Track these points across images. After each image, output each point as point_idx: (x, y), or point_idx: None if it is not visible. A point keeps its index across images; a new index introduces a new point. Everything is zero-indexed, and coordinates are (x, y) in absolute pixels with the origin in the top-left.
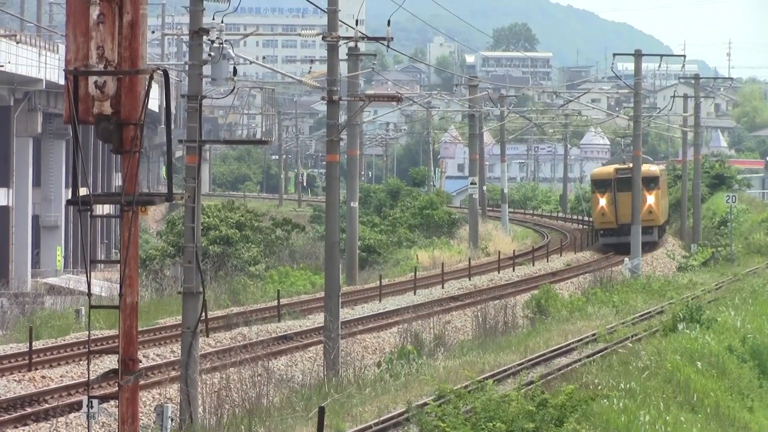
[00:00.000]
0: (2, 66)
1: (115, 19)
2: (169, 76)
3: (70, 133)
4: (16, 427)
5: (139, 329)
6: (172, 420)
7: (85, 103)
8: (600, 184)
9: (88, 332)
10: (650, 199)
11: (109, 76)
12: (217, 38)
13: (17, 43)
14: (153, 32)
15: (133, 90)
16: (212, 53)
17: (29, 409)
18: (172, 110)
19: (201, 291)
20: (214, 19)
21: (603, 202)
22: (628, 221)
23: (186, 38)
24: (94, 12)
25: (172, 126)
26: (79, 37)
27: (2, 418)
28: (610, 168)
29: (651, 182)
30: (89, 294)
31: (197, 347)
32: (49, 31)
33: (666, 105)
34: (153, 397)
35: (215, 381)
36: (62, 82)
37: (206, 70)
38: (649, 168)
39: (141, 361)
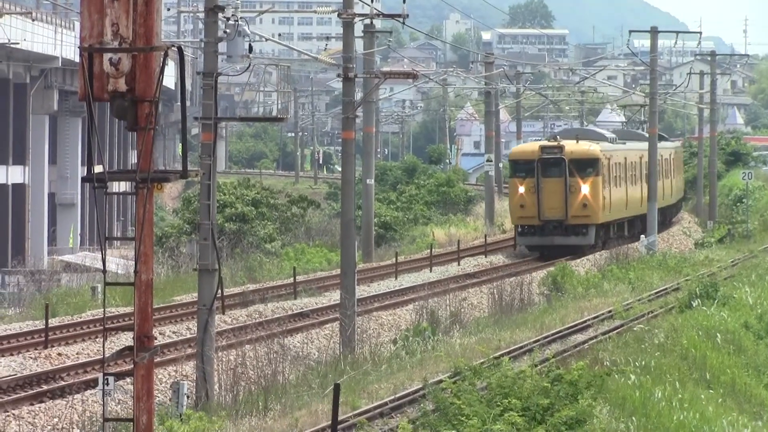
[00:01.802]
0: (18, 44)
1: None
2: (185, 53)
3: (85, 111)
4: (32, 404)
5: (155, 306)
6: (187, 397)
7: (100, 80)
8: (519, 167)
9: (103, 310)
10: (584, 188)
11: (124, 54)
12: (232, 15)
13: (33, 20)
14: (168, 9)
15: (148, 67)
16: (228, 30)
17: (45, 387)
18: (188, 88)
19: (217, 268)
20: None
21: (522, 189)
22: (557, 216)
23: (202, 15)
24: None
25: (188, 103)
26: (94, 14)
27: (19, 395)
28: (534, 145)
29: (587, 166)
30: (104, 271)
31: (213, 324)
32: (65, 8)
33: (682, 82)
34: (169, 375)
35: (231, 358)
36: (78, 59)
37: (222, 47)
38: (588, 148)
39: (157, 339)
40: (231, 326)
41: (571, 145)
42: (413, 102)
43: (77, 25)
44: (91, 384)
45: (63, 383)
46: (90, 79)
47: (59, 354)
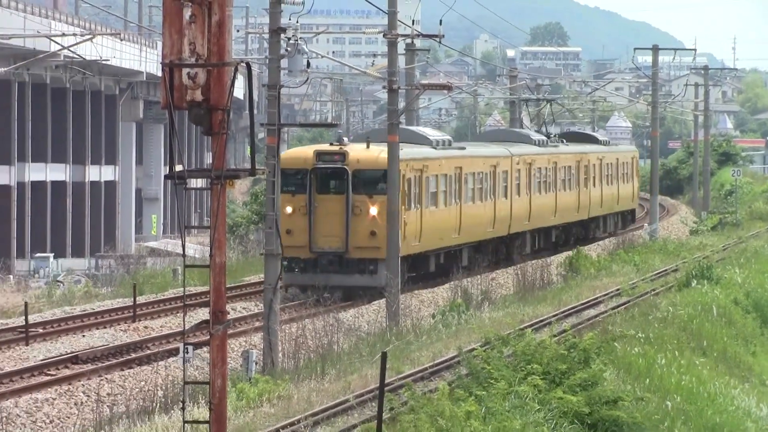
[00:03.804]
0: (108, 60)
1: (205, 19)
2: (252, 68)
3: (167, 118)
4: (122, 370)
5: (228, 286)
6: (256, 363)
7: (179, 91)
8: (289, 179)
9: (183, 289)
10: (373, 210)
11: (200, 68)
12: (293, 36)
13: (121, 40)
14: (238, 31)
15: (221, 80)
16: (289, 49)
17: (134, 355)
18: (255, 98)
19: (280, 252)
20: (290, 19)
21: (290, 210)
22: (335, 248)
23: (266, 36)
24: (187, 13)
25: (255, 111)
26: (174, 34)
27: (111, 362)
28: (308, 150)
29: (376, 182)
30: (183, 255)
31: (277, 301)
32: (149, 30)
33: (680, 92)
34: (240, 344)
35: (293, 330)
36: (160, 73)
37: (284, 63)
38: (380, 155)
39: (229, 313)
40: (293, 303)
41: (358, 151)
42: (448, 110)
43: (159, 44)
44: (173, 352)
45: (149, 352)
46: (171, 90)
47: (145, 327)
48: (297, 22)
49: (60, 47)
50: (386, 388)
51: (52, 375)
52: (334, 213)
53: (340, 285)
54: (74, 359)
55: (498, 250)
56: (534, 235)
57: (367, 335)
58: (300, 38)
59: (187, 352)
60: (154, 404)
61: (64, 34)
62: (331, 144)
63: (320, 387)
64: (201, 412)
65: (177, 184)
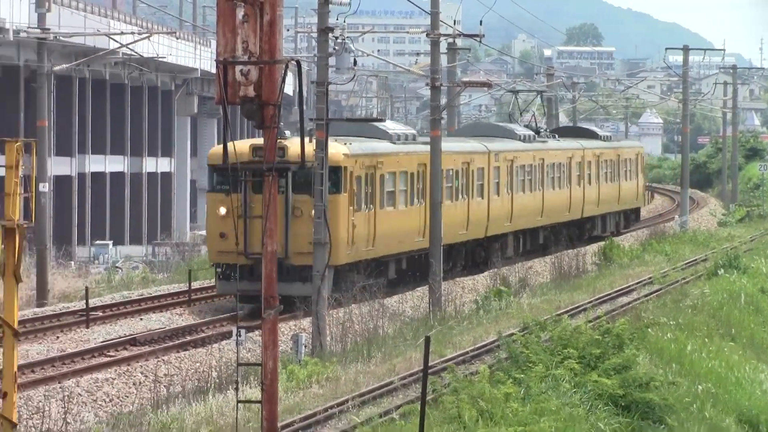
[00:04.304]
0: (165, 58)
1: (257, 19)
2: (301, 66)
3: (220, 113)
4: (178, 352)
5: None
6: (305, 346)
7: (232, 87)
8: (222, 176)
9: (237, 276)
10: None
11: (253, 66)
12: (340, 35)
13: (177, 39)
14: (288, 30)
15: (272, 77)
16: (336, 47)
17: (189, 338)
18: (304, 94)
19: (328, 242)
20: (337, 19)
21: (224, 211)
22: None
23: (315, 35)
24: (240, 13)
25: (304, 107)
26: (228, 33)
27: (168, 344)
28: (244, 145)
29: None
30: (237, 243)
31: (325, 287)
32: (203, 29)
33: (709, 90)
34: (290, 328)
35: (340, 315)
36: (214, 70)
37: (331, 61)
38: (330, 152)
39: (278, 298)
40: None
41: (299, 146)
42: (487, 106)
43: (213, 42)
44: (227, 335)
45: (203, 335)
46: (225, 86)
47: (200, 311)
48: (344, 21)
49: (119, 45)
50: (429, 371)
51: (111, 356)
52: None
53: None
54: (132, 341)
55: (474, 254)
56: (518, 237)
57: (411, 320)
58: (347, 37)
59: (240, 336)
60: (209, 385)
61: (122, 33)
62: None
63: (366, 369)
64: (253, 392)
65: (231, 176)
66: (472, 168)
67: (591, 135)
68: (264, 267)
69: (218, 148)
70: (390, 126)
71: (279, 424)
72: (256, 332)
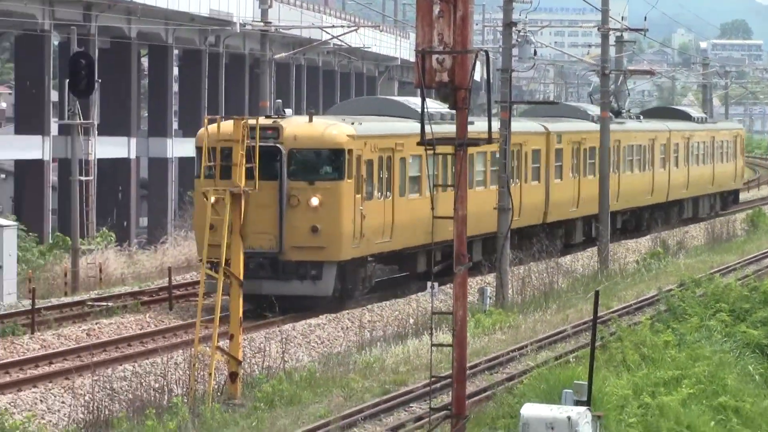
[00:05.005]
0: (369, 48)
1: (451, 14)
2: (489, 55)
3: (418, 96)
4: (380, 302)
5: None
6: (490, 298)
7: (429, 73)
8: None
9: (431, 237)
10: (314, 200)
11: (447, 55)
12: (522, 29)
13: (380, 31)
14: (477, 24)
15: (464, 65)
16: (519, 39)
17: (391, 292)
18: (491, 80)
19: (510, 207)
20: (520, 15)
21: (213, 199)
22: (267, 247)
23: (500, 29)
24: (436, 9)
25: (491, 92)
26: (426, 27)
27: (371, 295)
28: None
29: (325, 163)
30: (432, 208)
31: (507, 246)
32: (402, 23)
33: None
34: (476, 282)
35: (520, 271)
36: (413, 59)
37: (514, 51)
38: (326, 131)
39: (469, 256)
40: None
41: (297, 126)
42: (650, 92)
43: (411, 35)
44: (422, 288)
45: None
46: (423, 73)
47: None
48: (525, 17)
49: (330, 37)
50: (598, 321)
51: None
52: (265, 204)
53: (273, 294)
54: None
55: (521, 245)
56: (588, 221)
57: (581, 276)
58: (528, 31)
59: (434, 288)
60: (406, 330)
61: (333, 26)
62: (267, 117)
63: (543, 318)
64: (445, 337)
65: (427, 151)
66: (525, 150)
67: (684, 117)
68: (455, 228)
69: (211, 128)
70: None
71: (467, 365)
72: (448, 285)
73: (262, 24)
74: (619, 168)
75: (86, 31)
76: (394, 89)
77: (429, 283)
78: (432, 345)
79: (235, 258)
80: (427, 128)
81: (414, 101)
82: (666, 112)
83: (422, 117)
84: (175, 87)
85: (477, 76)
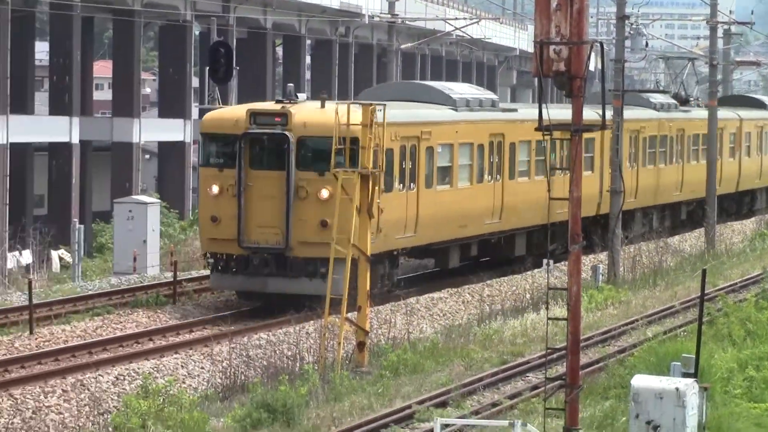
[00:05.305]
0: (490, 39)
1: (568, 8)
2: (603, 47)
3: (535, 84)
4: (499, 278)
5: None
6: (602, 275)
7: (547, 63)
8: (216, 148)
9: (547, 218)
10: (324, 192)
11: (564, 46)
12: (634, 22)
13: (500, 23)
14: (591, 17)
15: (580, 55)
16: (631, 32)
17: (508, 267)
18: (605, 70)
19: (623, 190)
20: (632, 9)
21: (216, 189)
22: (273, 243)
23: (614, 22)
24: (554, 2)
25: (606, 81)
26: (544, 20)
27: (490, 272)
28: (240, 110)
29: (336, 153)
30: (550, 190)
31: (619, 226)
32: (521, 16)
33: None
34: (589, 260)
35: (631, 250)
36: (531, 49)
37: (627, 43)
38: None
39: (582, 236)
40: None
41: (307, 112)
42: (755, 82)
43: (529, 27)
44: (538, 265)
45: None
46: (541, 62)
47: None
48: (638, 11)
49: (453, 28)
50: (705, 298)
51: (445, 279)
52: (271, 196)
53: (279, 292)
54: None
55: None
56: (648, 213)
57: (689, 256)
58: (640, 24)
59: (550, 265)
60: (523, 304)
61: (456, 18)
62: (277, 101)
63: (652, 295)
64: (560, 311)
65: (544, 136)
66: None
67: (759, 105)
68: (570, 209)
69: (213, 114)
70: (457, 89)
71: (581, 338)
72: (562, 263)
73: (389, 16)
74: (684, 157)
75: (225, 22)
76: (513, 78)
77: (545, 261)
78: (548, 318)
79: (362, 235)
80: (467, 115)
81: (452, 87)
82: (739, 101)
83: (539, 104)
84: (307, 75)
85: (591, 66)
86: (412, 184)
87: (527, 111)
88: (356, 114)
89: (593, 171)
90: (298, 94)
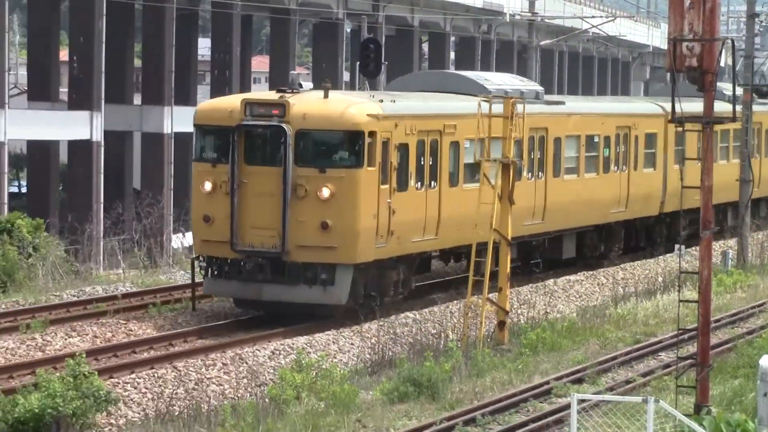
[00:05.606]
0: (625, 36)
1: (701, 6)
2: (734, 43)
3: (667, 80)
4: (632, 261)
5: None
6: (732, 260)
7: (680, 59)
8: (209, 141)
9: (681, 207)
10: (325, 191)
11: (696, 43)
12: (764, 19)
13: (634, 21)
14: (722, 15)
15: (711, 52)
16: (761, 29)
17: (639, 253)
18: (736, 66)
19: (752, 179)
20: (762, 7)
21: (209, 186)
22: (268, 246)
23: (743, 19)
24: (687, 1)
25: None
26: (677, 17)
27: (624, 255)
28: (235, 100)
29: (339, 147)
30: (681, 179)
31: (747, 215)
32: (654, 14)
33: None
34: (719, 246)
35: (759, 236)
36: (664, 46)
37: (756, 39)
38: (346, 109)
39: (711, 223)
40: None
41: (308, 103)
42: None
43: (662, 24)
44: (670, 250)
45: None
46: (674, 58)
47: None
48: None
49: (589, 26)
50: None
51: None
52: (266, 194)
53: (276, 300)
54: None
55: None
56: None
57: None
58: None
59: (681, 251)
60: (656, 287)
61: (593, 16)
62: (278, 90)
63: None
64: (691, 293)
65: (677, 128)
66: (635, 133)
67: None
68: (702, 197)
69: (207, 104)
70: (494, 79)
71: (711, 319)
72: (693, 248)
73: (529, 14)
74: (761, 153)
75: (375, 20)
76: (646, 73)
77: (677, 246)
78: (679, 301)
79: (504, 221)
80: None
81: (489, 77)
82: None
83: (672, 96)
84: (452, 69)
85: (722, 62)
86: (433, 182)
87: (576, 104)
88: (362, 107)
89: (655, 168)
90: (303, 83)
